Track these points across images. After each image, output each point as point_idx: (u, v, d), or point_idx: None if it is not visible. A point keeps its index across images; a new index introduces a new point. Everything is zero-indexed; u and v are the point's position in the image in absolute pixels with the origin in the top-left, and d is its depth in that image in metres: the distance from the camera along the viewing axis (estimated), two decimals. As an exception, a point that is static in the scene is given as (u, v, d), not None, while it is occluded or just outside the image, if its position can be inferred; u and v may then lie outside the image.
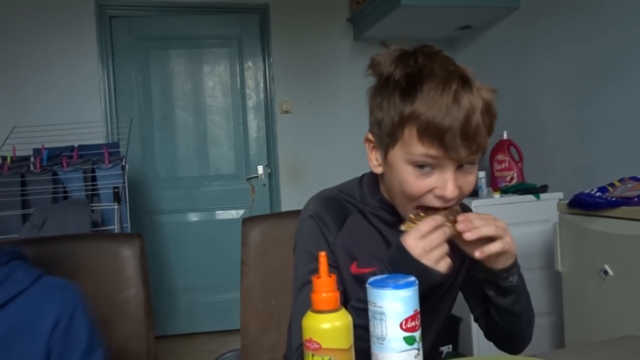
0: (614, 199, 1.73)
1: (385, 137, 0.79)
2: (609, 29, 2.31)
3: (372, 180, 0.90)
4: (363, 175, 0.93)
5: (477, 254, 0.76)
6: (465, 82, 0.75)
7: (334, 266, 0.86)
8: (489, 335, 0.95)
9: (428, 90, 0.73)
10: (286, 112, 3.50)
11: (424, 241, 0.73)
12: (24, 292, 0.82)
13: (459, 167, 0.77)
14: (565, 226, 1.92)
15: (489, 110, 0.76)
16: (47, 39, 3.16)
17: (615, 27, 2.28)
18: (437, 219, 0.75)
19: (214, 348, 3.07)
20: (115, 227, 2.54)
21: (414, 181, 0.77)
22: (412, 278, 0.63)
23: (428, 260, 0.72)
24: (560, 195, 2.39)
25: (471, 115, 0.73)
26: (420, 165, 0.76)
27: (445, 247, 0.74)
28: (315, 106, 3.55)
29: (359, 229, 0.87)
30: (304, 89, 3.52)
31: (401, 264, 0.73)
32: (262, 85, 3.52)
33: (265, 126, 3.52)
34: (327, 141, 3.55)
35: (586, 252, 1.83)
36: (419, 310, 0.62)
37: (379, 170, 0.85)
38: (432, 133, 0.72)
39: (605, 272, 1.72)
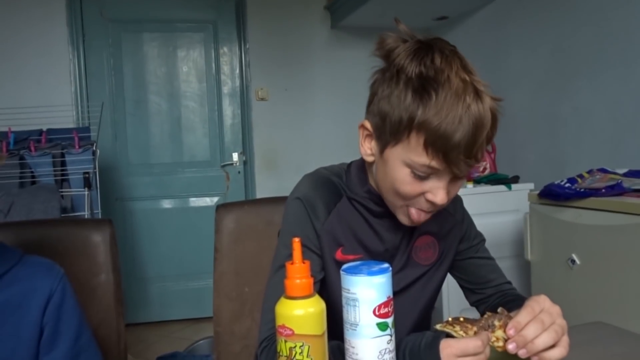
0: (582, 190, 1.77)
1: (387, 134, 0.76)
2: (581, 23, 2.35)
3: (360, 169, 0.89)
4: (351, 163, 0.92)
5: (535, 358, 0.68)
6: (477, 94, 0.72)
7: (318, 254, 0.85)
8: None
9: (443, 99, 0.70)
10: (262, 99, 3.47)
11: None
12: (12, 269, 0.84)
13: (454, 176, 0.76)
14: (536, 216, 1.95)
15: (494, 123, 0.75)
16: (14, 18, 3.05)
17: (587, 22, 2.32)
18: (484, 338, 0.66)
19: (187, 336, 3.05)
20: (86, 213, 2.50)
21: (408, 183, 0.76)
22: (386, 265, 0.63)
23: None
24: (531, 186, 2.43)
25: (479, 134, 0.72)
26: (417, 173, 0.75)
27: None
28: (292, 94, 3.52)
29: (348, 215, 0.87)
30: (280, 76, 3.50)
31: None
32: (237, 71, 3.48)
33: (241, 113, 3.49)
34: (303, 129, 3.54)
35: (555, 242, 1.87)
36: (392, 296, 0.62)
37: (370, 159, 0.83)
38: (439, 147, 0.71)
39: (573, 261, 1.76)
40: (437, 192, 0.76)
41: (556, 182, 1.88)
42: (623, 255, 1.58)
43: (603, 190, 1.71)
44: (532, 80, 2.69)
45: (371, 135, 0.81)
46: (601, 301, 1.67)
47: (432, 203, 0.77)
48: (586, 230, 1.71)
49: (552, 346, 0.68)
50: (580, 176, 1.89)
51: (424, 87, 0.71)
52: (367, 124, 0.81)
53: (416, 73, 0.72)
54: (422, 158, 0.73)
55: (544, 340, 0.67)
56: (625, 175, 1.82)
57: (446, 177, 0.75)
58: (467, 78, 0.73)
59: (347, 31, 3.53)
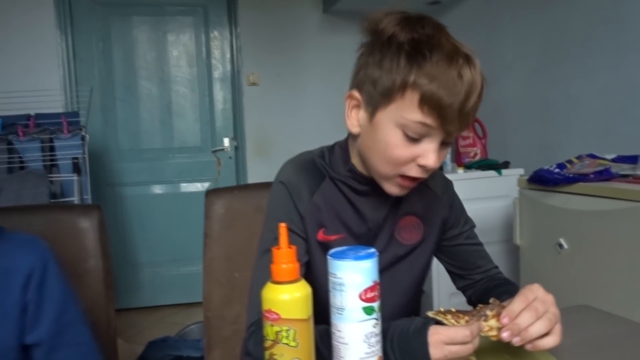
0: (571, 175, 1.78)
1: (379, 96, 0.76)
2: (573, 10, 2.34)
3: (343, 148, 0.89)
4: (335, 144, 0.92)
5: (529, 346, 0.68)
6: (468, 59, 0.74)
7: (303, 237, 0.86)
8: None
9: (437, 60, 0.72)
10: (253, 84, 3.45)
11: (449, 349, 0.66)
12: None
13: (442, 142, 0.77)
14: (525, 201, 1.97)
15: (481, 93, 0.76)
16: (1, 1, 3.00)
17: (579, 8, 2.32)
18: (474, 328, 0.67)
19: (178, 320, 3.07)
20: (76, 199, 2.48)
21: (400, 146, 0.76)
22: (373, 250, 0.64)
23: None
24: (521, 171, 2.45)
25: (472, 94, 0.73)
26: (410, 134, 0.75)
27: None
28: (283, 79, 3.50)
29: (331, 195, 0.87)
30: (271, 61, 3.47)
31: (410, 348, 0.67)
32: (228, 56, 3.45)
33: (232, 98, 3.46)
34: (294, 114, 3.53)
35: (543, 227, 1.89)
36: (378, 281, 0.63)
37: (356, 130, 0.82)
38: (434, 103, 0.72)
39: (561, 246, 1.78)
40: (429, 156, 0.76)
41: (545, 168, 1.89)
42: (610, 240, 1.60)
43: (591, 176, 1.73)
44: (524, 66, 2.68)
45: (359, 105, 0.81)
46: (588, 285, 1.69)
47: (423, 167, 0.77)
48: (574, 215, 1.73)
49: (546, 334, 0.69)
50: (570, 162, 1.90)
51: (417, 50, 0.73)
52: (355, 93, 0.81)
53: (407, 39, 0.74)
54: (417, 115, 0.73)
55: (537, 328, 0.67)
56: (613, 160, 1.84)
57: (438, 140, 0.76)
58: (457, 44, 0.76)
59: (339, 15, 3.50)
